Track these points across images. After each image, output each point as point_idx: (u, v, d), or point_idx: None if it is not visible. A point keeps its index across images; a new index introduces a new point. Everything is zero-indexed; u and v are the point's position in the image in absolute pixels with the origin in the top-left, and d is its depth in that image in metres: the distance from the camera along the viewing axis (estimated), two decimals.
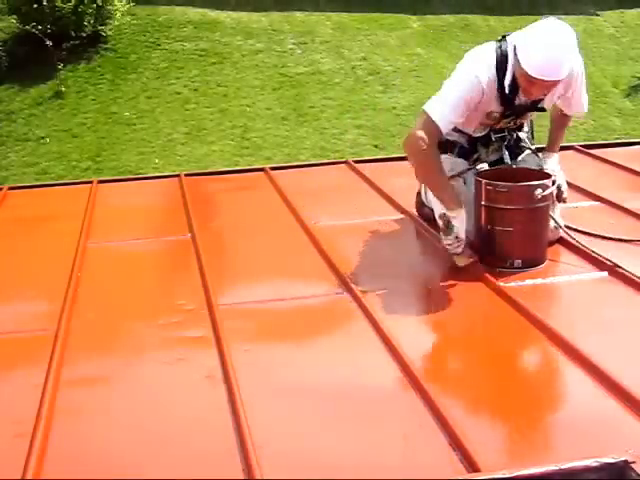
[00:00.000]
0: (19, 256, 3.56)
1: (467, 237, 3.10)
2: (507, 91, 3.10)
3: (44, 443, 2.04)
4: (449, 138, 3.33)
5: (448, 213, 3.03)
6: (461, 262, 3.09)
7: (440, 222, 3.06)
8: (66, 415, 2.21)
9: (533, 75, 2.96)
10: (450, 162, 3.32)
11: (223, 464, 1.96)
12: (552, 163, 3.37)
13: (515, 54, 3.02)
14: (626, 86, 12.84)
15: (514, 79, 3.07)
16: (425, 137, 3.06)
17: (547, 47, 2.97)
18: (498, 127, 3.33)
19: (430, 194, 3.32)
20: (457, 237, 3.02)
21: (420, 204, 3.59)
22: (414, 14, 14.48)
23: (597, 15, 14.64)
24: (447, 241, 3.05)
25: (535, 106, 3.24)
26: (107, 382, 2.44)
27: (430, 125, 3.08)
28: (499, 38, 3.18)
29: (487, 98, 3.14)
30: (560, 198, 3.24)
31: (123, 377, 2.49)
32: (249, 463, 1.90)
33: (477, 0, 14.82)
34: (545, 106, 3.29)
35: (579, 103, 3.44)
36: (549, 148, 3.50)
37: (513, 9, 14.41)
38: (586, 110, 3.50)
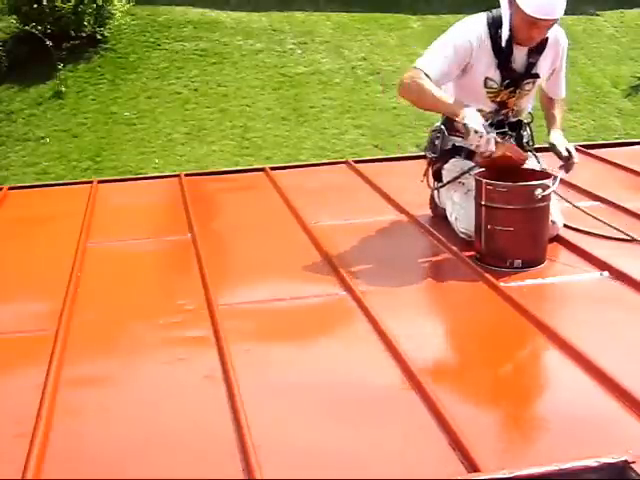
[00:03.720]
0: (19, 256, 3.56)
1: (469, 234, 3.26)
2: (504, 45, 3.25)
3: (44, 443, 2.04)
4: (455, 143, 3.42)
5: (459, 119, 3.12)
6: (499, 151, 3.16)
7: (462, 129, 3.14)
8: (66, 415, 2.21)
9: (531, 14, 3.13)
10: (460, 164, 3.45)
11: (223, 464, 1.96)
12: (557, 136, 3.50)
13: (511, 4, 3.20)
14: (626, 86, 12.83)
15: (511, 33, 3.24)
16: (412, 75, 3.23)
17: None
18: (499, 100, 3.39)
19: (442, 195, 3.53)
20: (476, 131, 3.07)
21: (434, 205, 3.66)
22: (414, 14, 14.47)
23: (597, 15, 14.63)
24: (474, 143, 3.12)
25: (529, 72, 3.37)
26: (107, 382, 2.44)
27: (415, 70, 3.24)
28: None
29: (479, 58, 3.28)
30: (571, 163, 3.41)
31: (123, 377, 2.49)
32: (249, 463, 1.90)
33: (477, 0, 14.81)
34: (539, 73, 3.40)
35: (562, 84, 3.64)
36: (551, 127, 3.61)
37: None
38: (564, 94, 3.69)
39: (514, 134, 3.46)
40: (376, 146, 11.12)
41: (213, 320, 2.70)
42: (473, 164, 3.40)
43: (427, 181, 3.65)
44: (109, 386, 2.42)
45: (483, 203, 3.08)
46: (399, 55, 13.33)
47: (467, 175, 3.37)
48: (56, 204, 4.43)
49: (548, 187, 3.04)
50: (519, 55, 3.32)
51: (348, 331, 2.74)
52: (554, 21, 3.22)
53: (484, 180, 3.07)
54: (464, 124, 3.08)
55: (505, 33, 3.24)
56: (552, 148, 3.46)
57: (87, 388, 2.41)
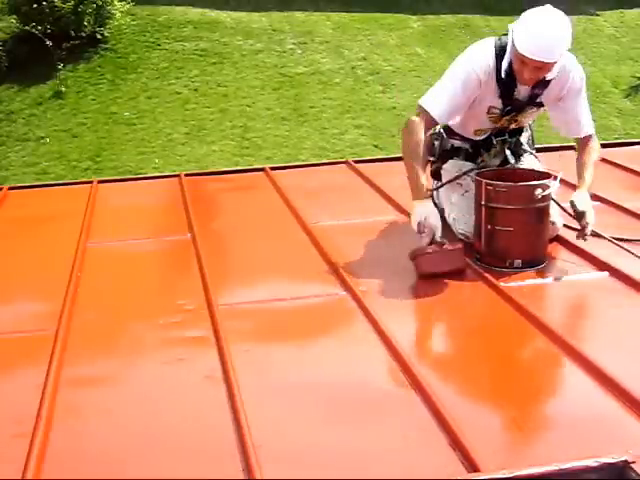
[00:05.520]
0: (19, 256, 3.56)
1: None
2: (503, 75, 3.13)
3: (44, 443, 2.04)
4: (454, 144, 3.40)
5: (412, 207, 3.06)
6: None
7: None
8: (66, 415, 2.21)
9: (522, 52, 3.00)
10: (458, 164, 3.44)
11: (223, 464, 1.96)
12: (578, 198, 3.13)
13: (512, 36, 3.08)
14: (626, 86, 12.85)
15: (510, 65, 3.11)
16: (417, 127, 3.12)
17: (540, 27, 3.01)
18: (499, 125, 3.35)
19: (441, 196, 3.49)
20: (417, 225, 3.01)
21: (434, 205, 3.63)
22: (414, 14, 14.48)
23: (597, 15, 14.64)
24: (414, 228, 3.04)
25: (533, 101, 3.25)
26: (107, 382, 2.44)
27: (424, 115, 3.16)
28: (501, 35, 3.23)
29: (485, 89, 3.17)
30: (583, 230, 3.07)
31: (123, 377, 2.49)
32: (249, 463, 1.90)
33: (477, 0, 14.82)
34: (544, 101, 3.28)
35: (578, 121, 3.32)
36: (577, 184, 3.25)
37: (513, 9, 14.40)
38: (588, 132, 3.34)
39: (513, 140, 3.45)
40: (376, 146, 11.13)
41: (213, 320, 2.70)
42: (472, 166, 3.40)
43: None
44: (109, 386, 2.42)
45: (483, 203, 3.08)
46: (399, 55, 13.34)
47: (465, 176, 3.37)
48: (56, 204, 4.43)
49: (548, 187, 3.03)
50: (523, 88, 3.20)
51: (348, 331, 2.74)
52: (544, 65, 3.03)
53: (484, 180, 3.07)
54: (410, 214, 3.05)
55: (505, 65, 3.12)
56: (571, 205, 3.11)
57: (87, 388, 2.41)
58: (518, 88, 3.19)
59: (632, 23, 14.60)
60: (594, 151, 3.33)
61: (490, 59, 3.15)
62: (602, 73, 12.90)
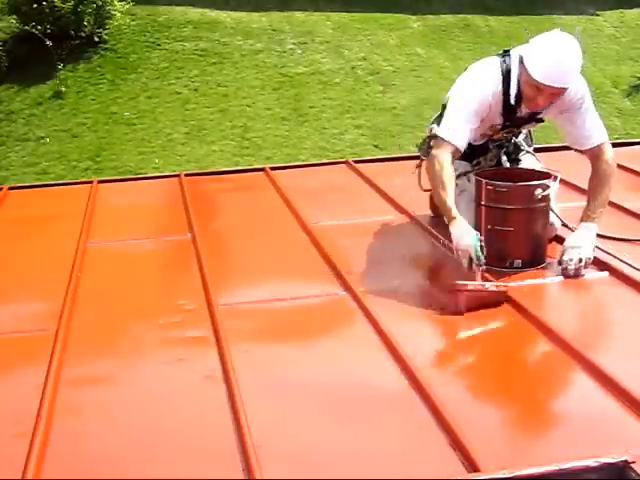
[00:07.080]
0: (19, 256, 3.56)
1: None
2: (512, 102, 3.11)
3: (44, 443, 2.04)
4: None
5: (451, 232, 2.93)
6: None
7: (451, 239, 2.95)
8: (66, 415, 2.21)
9: (540, 81, 2.97)
10: (455, 164, 3.37)
11: (223, 464, 1.96)
12: (575, 236, 3.09)
13: (521, 63, 3.05)
14: (626, 86, 12.84)
15: (519, 91, 3.09)
16: (441, 158, 3.06)
17: (555, 54, 3.00)
18: (496, 137, 3.35)
19: None
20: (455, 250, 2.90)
21: (434, 205, 3.64)
22: (414, 14, 14.47)
23: (597, 15, 14.63)
24: (456, 254, 2.93)
25: (534, 117, 3.25)
26: (107, 382, 2.44)
27: (448, 146, 3.10)
28: (501, 53, 3.22)
29: (493, 111, 3.17)
30: (579, 270, 2.99)
31: (123, 377, 2.49)
32: (249, 463, 1.90)
33: (477, 0, 14.81)
34: (544, 117, 3.27)
35: (581, 134, 3.24)
36: (582, 216, 3.19)
37: (513, 9, 14.42)
38: (594, 144, 3.23)
39: (510, 144, 3.44)
40: (376, 146, 11.12)
41: (213, 320, 2.70)
42: (468, 166, 3.40)
43: (419, 183, 3.62)
44: (109, 386, 2.42)
45: (483, 203, 3.08)
46: (399, 55, 13.33)
47: (462, 177, 3.36)
48: (56, 204, 4.43)
49: (548, 187, 3.03)
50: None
51: (348, 331, 2.74)
52: (561, 90, 3.02)
53: (484, 180, 3.07)
54: (454, 242, 2.90)
55: (513, 91, 3.10)
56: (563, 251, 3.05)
57: (87, 388, 2.41)
58: (521, 108, 3.17)
59: (632, 23, 14.59)
60: (603, 178, 3.22)
61: (499, 84, 3.12)
62: (602, 73, 12.90)
